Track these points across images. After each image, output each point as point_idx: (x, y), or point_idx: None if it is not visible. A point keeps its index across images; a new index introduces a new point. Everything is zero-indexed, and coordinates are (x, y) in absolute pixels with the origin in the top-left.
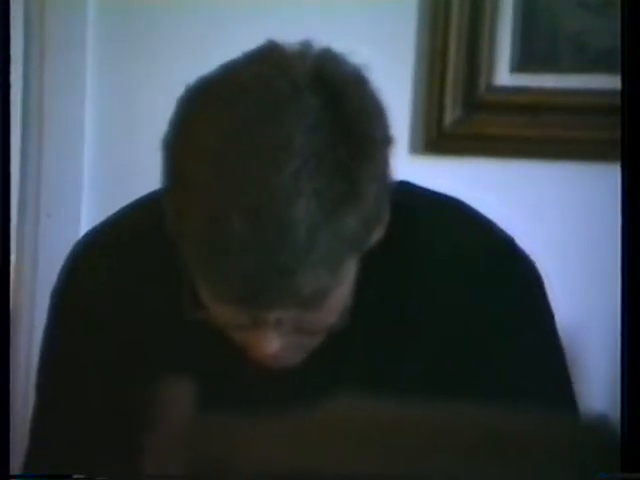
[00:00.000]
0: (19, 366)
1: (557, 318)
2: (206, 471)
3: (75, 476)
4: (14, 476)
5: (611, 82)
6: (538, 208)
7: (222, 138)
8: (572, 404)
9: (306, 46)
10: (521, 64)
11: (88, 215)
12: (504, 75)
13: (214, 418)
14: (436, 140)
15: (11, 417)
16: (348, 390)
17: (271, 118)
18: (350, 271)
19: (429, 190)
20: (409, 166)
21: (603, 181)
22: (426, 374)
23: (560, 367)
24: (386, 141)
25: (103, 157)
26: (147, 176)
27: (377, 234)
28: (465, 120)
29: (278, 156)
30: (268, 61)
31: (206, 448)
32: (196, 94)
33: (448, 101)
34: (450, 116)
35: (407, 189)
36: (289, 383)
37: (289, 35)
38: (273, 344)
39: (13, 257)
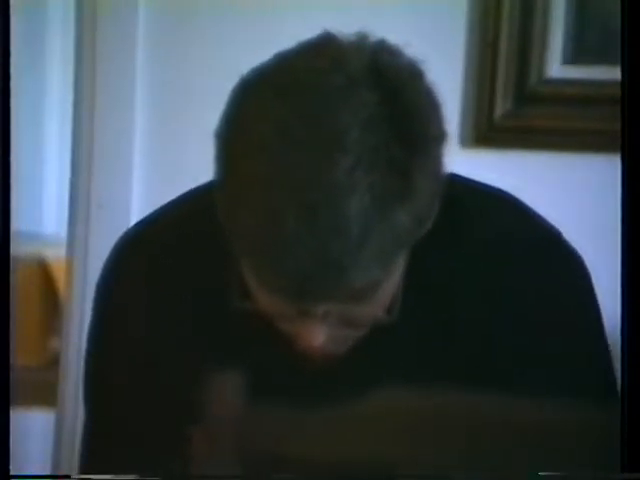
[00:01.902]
0: (71, 362)
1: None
2: (254, 460)
3: (74, 476)
4: (14, 476)
5: None
6: (589, 204)
7: (276, 132)
8: (614, 395)
9: (362, 38)
10: (573, 57)
11: (139, 206)
12: (555, 67)
13: (262, 408)
14: (486, 133)
15: (65, 408)
16: (394, 382)
17: (326, 112)
18: (399, 265)
19: (478, 182)
20: (459, 159)
21: None
22: (470, 365)
23: (606, 360)
24: (440, 137)
25: (154, 149)
26: (198, 169)
27: (427, 228)
28: (516, 113)
29: (333, 152)
30: (324, 53)
31: (254, 438)
32: (250, 85)
33: (499, 94)
34: (500, 109)
35: (456, 181)
36: (336, 375)
37: (341, 26)
38: (319, 336)
39: (63, 250)
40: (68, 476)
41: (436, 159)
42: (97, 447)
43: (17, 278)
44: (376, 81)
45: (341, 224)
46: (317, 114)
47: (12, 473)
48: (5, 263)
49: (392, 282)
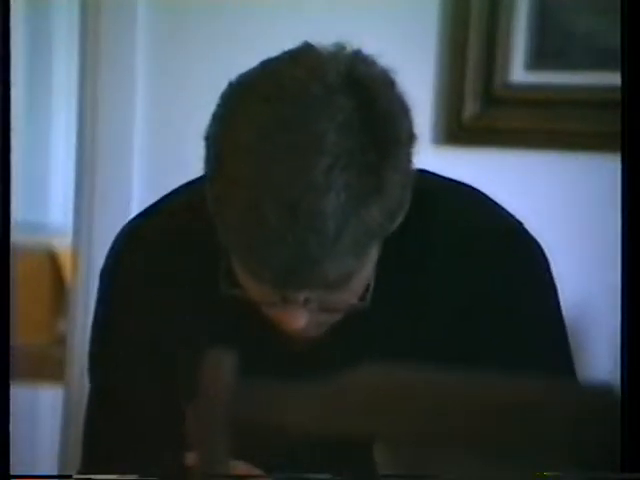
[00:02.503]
0: (77, 341)
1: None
2: (246, 432)
3: (75, 476)
4: (14, 476)
5: (615, 79)
6: (547, 198)
7: (259, 134)
8: (571, 374)
9: (339, 48)
10: (534, 62)
11: (139, 199)
12: (518, 72)
13: (253, 385)
14: (456, 132)
15: (72, 382)
16: (370, 359)
17: (306, 118)
18: (372, 255)
19: (447, 177)
20: (432, 156)
21: (607, 171)
22: (438, 344)
23: (561, 339)
24: (410, 140)
25: (153, 144)
26: (195, 163)
27: (398, 221)
28: (482, 115)
29: (311, 154)
30: (304, 63)
31: (245, 411)
32: (237, 91)
33: (467, 97)
34: (468, 111)
35: (427, 176)
36: (318, 355)
37: (320, 33)
38: (300, 320)
39: (69, 240)
40: (69, 476)
41: (406, 159)
42: (99, 419)
43: (27, 266)
44: (352, 89)
45: (318, 221)
46: (297, 120)
47: (13, 474)
48: (5, 253)
49: (365, 272)
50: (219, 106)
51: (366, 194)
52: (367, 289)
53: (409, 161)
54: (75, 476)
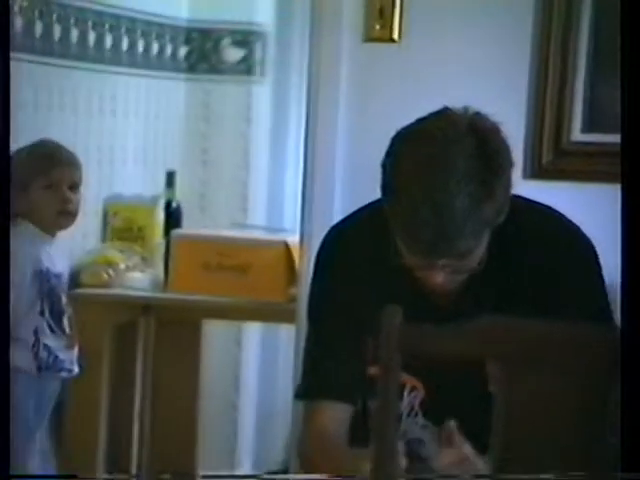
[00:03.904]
0: (302, 302)
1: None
2: (408, 355)
3: (76, 477)
4: (14, 476)
5: None
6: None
7: (417, 166)
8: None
9: (465, 109)
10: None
11: (341, 209)
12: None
13: (415, 327)
14: (537, 172)
15: (302, 328)
16: (487, 313)
17: (445, 153)
18: (485, 237)
19: (529, 199)
20: (520, 187)
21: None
22: (524, 305)
23: (607, 305)
24: (510, 167)
25: (352, 170)
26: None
27: (502, 218)
28: (554, 162)
29: (448, 175)
30: (444, 119)
31: (412, 343)
32: (402, 136)
33: (544, 148)
34: (545, 158)
35: (516, 197)
36: (453, 308)
37: (454, 101)
38: (440, 278)
39: (297, 238)
40: (72, 476)
41: (507, 180)
42: (315, 348)
43: (271, 255)
44: (474, 135)
45: (452, 215)
46: (440, 154)
47: (12, 473)
48: (5, 253)
49: (481, 248)
50: (390, 146)
51: (481, 199)
52: (482, 259)
53: (509, 181)
54: (76, 477)
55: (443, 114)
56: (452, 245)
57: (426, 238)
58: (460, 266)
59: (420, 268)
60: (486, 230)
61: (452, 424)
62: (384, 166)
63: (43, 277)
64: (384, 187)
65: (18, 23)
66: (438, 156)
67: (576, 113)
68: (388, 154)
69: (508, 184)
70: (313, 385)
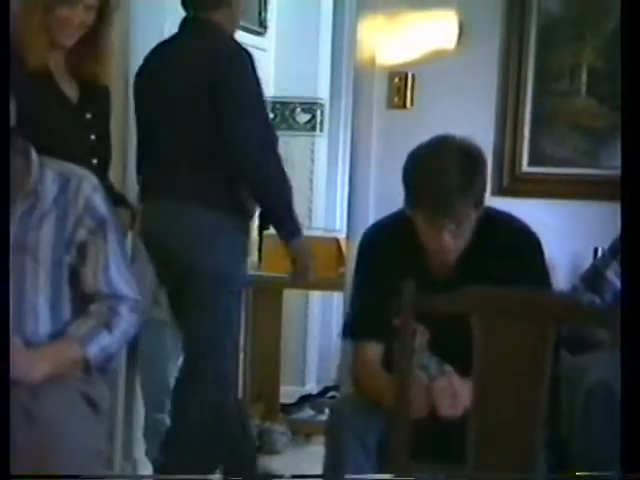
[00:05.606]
0: (348, 275)
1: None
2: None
3: (78, 477)
4: (14, 476)
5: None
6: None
7: (427, 181)
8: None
9: (455, 135)
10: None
11: (374, 216)
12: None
13: (423, 294)
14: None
15: (347, 288)
16: (473, 284)
17: (445, 167)
18: (472, 218)
19: (497, 209)
20: (490, 201)
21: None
22: (496, 278)
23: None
24: (485, 167)
25: (384, 179)
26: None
27: (481, 207)
28: (512, 184)
29: (448, 184)
30: (441, 144)
31: (421, 304)
32: (414, 154)
33: (505, 175)
34: (505, 181)
35: (489, 208)
36: (447, 282)
37: (448, 128)
38: (445, 239)
39: (344, 234)
40: (75, 476)
41: (484, 175)
42: (361, 293)
43: (326, 248)
44: (462, 154)
45: (448, 185)
46: (441, 171)
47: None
48: (5, 254)
49: (469, 225)
50: (406, 162)
51: (468, 180)
52: (467, 244)
53: (485, 176)
54: (78, 478)
55: (441, 139)
56: (452, 208)
57: (431, 203)
58: (457, 233)
59: (429, 233)
60: (472, 208)
61: (449, 368)
62: (404, 177)
63: None
64: (407, 196)
65: None
66: (438, 169)
67: (524, 153)
68: (404, 169)
69: (484, 178)
70: (357, 330)
